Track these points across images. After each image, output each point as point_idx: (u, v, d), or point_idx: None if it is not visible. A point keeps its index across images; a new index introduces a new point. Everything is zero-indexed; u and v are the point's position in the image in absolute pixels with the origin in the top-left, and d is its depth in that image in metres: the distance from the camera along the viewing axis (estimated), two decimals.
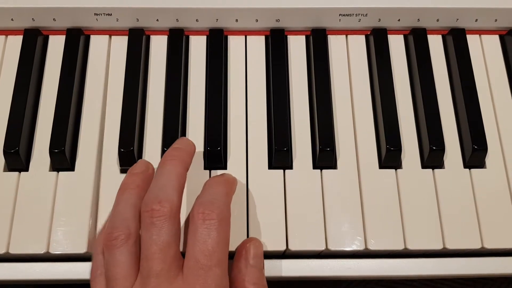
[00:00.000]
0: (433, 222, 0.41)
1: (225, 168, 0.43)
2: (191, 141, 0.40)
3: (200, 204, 0.35)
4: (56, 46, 0.48)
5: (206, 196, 0.36)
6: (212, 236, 0.34)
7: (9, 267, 0.40)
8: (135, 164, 0.40)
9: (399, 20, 0.48)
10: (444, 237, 0.41)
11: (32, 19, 0.47)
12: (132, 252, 0.35)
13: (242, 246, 0.38)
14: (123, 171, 0.43)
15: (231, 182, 0.39)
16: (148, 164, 0.40)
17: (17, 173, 0.42)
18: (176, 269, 0.34)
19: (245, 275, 0.37)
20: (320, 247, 0.40)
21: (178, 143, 0.40)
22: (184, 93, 0.46)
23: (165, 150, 0.42)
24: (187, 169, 0.38)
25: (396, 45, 0.49)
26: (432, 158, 0.43)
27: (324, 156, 0.43)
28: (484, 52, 0.49)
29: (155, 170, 0.38)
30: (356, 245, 0.40)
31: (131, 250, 0.35)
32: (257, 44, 0.48)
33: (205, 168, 0.43)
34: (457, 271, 0.41)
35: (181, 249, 0.37)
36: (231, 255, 0.40)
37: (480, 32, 0.49)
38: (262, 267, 0.38)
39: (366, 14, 0.47)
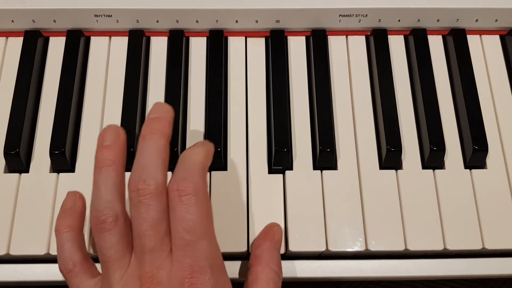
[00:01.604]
0: (433, 223, 0.41)
1: (225, 169, 0.43)
2: (169, 106, 0.39)
3: (174, 181, 0.35)
4: (56, 47, 0.48)
5: (179, 171, 0.36)
6: (190, 211, 0.34)
7: (9, 268, 0.40)
8: (102, 133, 0.38)
9: (399, 20, 0.48)
10: (444, 237, 0.41)
11: (33, 20, 0.47)
12: (123, 233, 0.35)
13: (270, 228, 0.40)
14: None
15: (206, 151, 0.38)
16: (118, 130, 0.38)
17: (17, 174, 0.42)
18: (169, 244, 0.34)
19: (272, 256, 0.38)
20: (321, 248, 0.40)
21: (157, 112, 0.38)
22: (184, 95, 0.46)
23: None
24: (169, 140, 0.37)
25: (396, 46, 0.48)
26: (433, 158, 0.43)
27: (325, 157, 0.43)
28: (484, 52, 0.48)
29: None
30: (356, 246, 0.40)
31: (121, 231, 0.35)
32: (257, 45, 0.48)
33: None
34: (458, 272, 0.41)
35: None
36: (232, 257, 0.41)
37: (480, 32, 0.49)
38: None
39: (366, 15, 0.47)
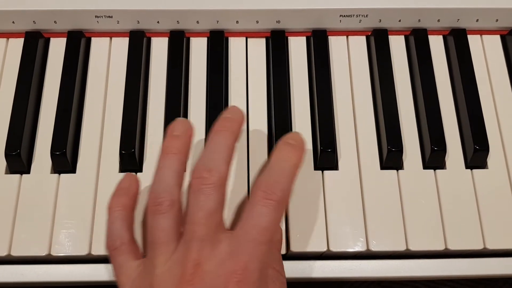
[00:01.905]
0: (434, 223, 0.41)
1: None
2: (241, 111, 0.40)
3: (264, 183, 0.35)
4: (57, 48, 0.48)
5: (272, 174, 0.36)
6: (268, 215, 0.34)
7: (10, 269, 0.40)
8: (173, 124, 0.39)
9: (399, 20, 0.48)
10: (446, 238, 0.41)
11: (33, 21, 0.47)
12: (176, 218, 0.36)
13: None
14: (124, 172, 0.43)
15: (302, 154, 0.38)
16: (187, 124, 0.39)
17: (18, 175, 0.42)
18: (219, 236, 0.35)
19: (273, 257, 0.37)
20: (322, 248, 0.40)
21: (229, 113, 0.40)
22: (185, 95, 0.46)
23: None
24: (237, 141, 0.38)
25: (397, 46, 0.48)
26: (434, 158, 0.43)
27: (326, 157, 0.43)
28: (485, 52, 0.48)
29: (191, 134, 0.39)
30: (358, 246, 0.40)
31: (175, 216, 0.36)
32: (258, 46, 0.48)
33: None
34: (459, 272, 0.41)
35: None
36: None
37: (481, 32, 0.49)
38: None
39: (366, 15, 0.47)
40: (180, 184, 0.37)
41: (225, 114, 0.39)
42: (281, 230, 0.40)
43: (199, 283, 0.33)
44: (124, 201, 0.38)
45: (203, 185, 0.35)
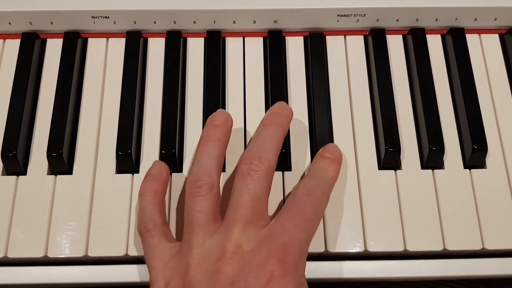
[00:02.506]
0: (433, 223, 0.41)
1: (223, 170, 0.43)
2: (290, 107, 0.41)
3: (305, 186, 0.37)
4: (53, 49, 0.48)
5: (312, 179, 0.37)
6: (311, 207, 0.36)
7: (7, 271, 0.40)
8: (214, 114, 0.40)
9: (397, 20, 0.47)
10: (444, 238, 0.40)
11: (30, 22, 0.47)
12: (214, 202, 0.36)
13: None
14: (120, 174, 0.43)
15: (338, 165, 0.40)
16: (228, 116, 0.40)
17: (15, 176, 0.42)
18: (263, 222, 0.35)
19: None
20: (319, 249, 0.40)
21: (278, 108, 0.41)
22: (182, 95, 0.46)
23: (163, 153, 0.42)
24: (285, 135, 0.39)
25: (395, 45, 0.48)
26: (432, 158, 0.43)
27: None
28: (483, 51, 0.48)
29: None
30: (356, 247, 0.40)
31: (214, 199, 0.36)
32: (255, 46, 0.48)
33: None
34: (458, 273, 0.41)
35: None
36: None
37: (479, 31, 0.49)
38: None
39: (364, 15, 0.47)
40: (219, 170, 0.38)
41: (274, 109, 0.40)
42: None
43: (239, 261, 0.33)
44: (155, 186, 0.39)
45: (252, 171, 0.36)
